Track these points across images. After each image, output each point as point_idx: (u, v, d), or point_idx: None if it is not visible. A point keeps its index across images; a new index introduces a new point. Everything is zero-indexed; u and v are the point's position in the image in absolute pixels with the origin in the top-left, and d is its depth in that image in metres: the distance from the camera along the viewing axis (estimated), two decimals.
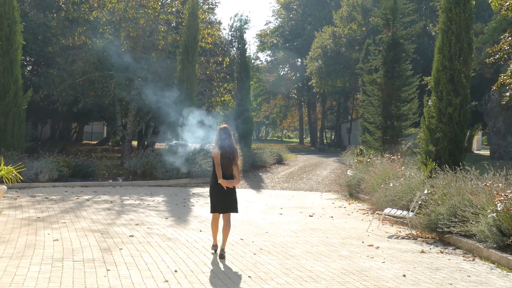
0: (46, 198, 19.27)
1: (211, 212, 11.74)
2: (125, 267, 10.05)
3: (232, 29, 63.94)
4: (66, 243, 11.93)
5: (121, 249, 11.54)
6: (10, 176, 12.93)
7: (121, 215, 16.15)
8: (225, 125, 12.04)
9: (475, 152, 65.39)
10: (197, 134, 20.97)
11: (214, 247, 11.78)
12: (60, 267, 9.92)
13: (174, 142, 28.42)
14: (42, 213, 15.92)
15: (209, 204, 11.75)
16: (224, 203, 11.47)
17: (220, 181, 11.25)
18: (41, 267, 9.83)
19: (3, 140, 25.38)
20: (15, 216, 15.31)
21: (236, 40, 52.57)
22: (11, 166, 13.32)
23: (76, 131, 57.29)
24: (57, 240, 12.19)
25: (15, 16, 26.14)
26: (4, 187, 13.04)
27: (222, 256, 11.22)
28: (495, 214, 11.75)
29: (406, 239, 13.98)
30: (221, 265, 10.56)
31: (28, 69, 39.65)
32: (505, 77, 25.37)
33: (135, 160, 27.56)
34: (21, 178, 13.66)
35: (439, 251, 12.45)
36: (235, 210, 11.68)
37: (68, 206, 17.51)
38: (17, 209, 16.61)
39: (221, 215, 11.64)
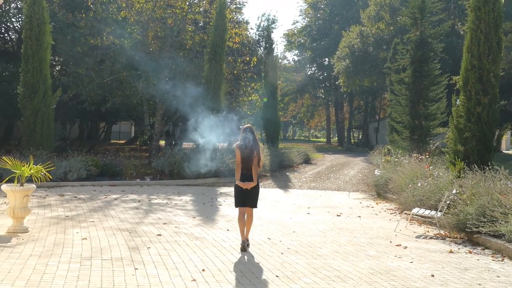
0: (75, 197, 19.40)
1: (235, 207, 12.37)
2: (153, 266, 10.10)
3: (260, 29, 63.93)
4: (94, 241, 12.01)
5: (149, 248, 11.59)
6: (39, 175, 13.02)
7: (148, 214, 16.21)
8: (249, 125, 12.68)
9: (504, 151, 64.85)
10: (219, 133, 21.17)
11: (243, 242, 12.00)
12: (89, 265, 9.98)
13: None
14: (71, 212, 16.03)
15: None
16: (243, 198, 12.08)
17: (237, 183, 12.01)
18: (69, 266, 9.90)
19: (33, 139, 25.59)
20: (44, 214, 15.43)
21: (264, 39, 52.52)
22: (40, 165, 13.41)
23: (104, 130, 57.57)
24: (86, 238, 12.27)
25: (44, 16, 26.33)
26: (34, 186, 13.12)
27: (244, 248, 11.81)
28: None
29: (434, 239, 13.90)
30: (249, 265, 10.57)
31: (57, 69, 39.94)
32: None
33: (163, 160, 27.66)
34: (50, 177, 13.75)
35: (467, 251, 12.37)
36: (253, 205, 12.21)
37: (96, 205, 17.62)
38: (46, 208, 16.74)
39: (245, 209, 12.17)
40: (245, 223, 12.15)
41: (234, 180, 12.15)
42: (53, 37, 28.34)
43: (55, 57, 36.87)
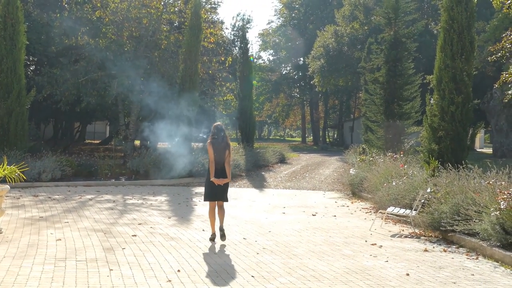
0: (49, 197, 19.29)
1: (204, 201, 13.07)
2: (128, 267, 10.06)
3: (235, 29, 64.10)
4: (69, 242, 11.94)
5: (124, 248, 11.55)
6: (13, 176, 12.92)
7: (123, 215, 16.16)
8: (218, 122, 13.35)
9: (477, 150, 65.40)
10: (194, 133, 21.39)
11: (213, 235, 12.78)
12: (63, 266, 9.92)
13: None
14: (45, 213, 15.94)
15: None
16: (215, 193, 12.68)
17: (212, 179, 12.52)
18: (44, 267, 9.83)
19: (6, 139, 25.42)
20: (18, 215, 15.33)
21: (239, 39, 52.54)
22: (14, 165, 13.31)
23: (79, 130, 57.28)
24: (60, 239, 12.20)
25: (19, 16, 26.18)
26: (7, 186, 13.03)
27: (222, 235, 12.57)
28: (498, 212, 11.74)
29: (409, 237, 13.97)
30: (224, 265, 10.55)
31: (31, 68, 39.72)
32: (507, 75, 25.38)
33: (138, 160, 27.57)
34: (24, 178, 13.64)
35: (442, 250, 12.43)
36: (225, 199, 12.91)
37: (70, 206, 17.53)
38: (20, 208, 16.63)
39: (216, 203, 12.83)
40: (215, 216, 12.81)
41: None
42: (28, 36, 28.15)
43: (30, 57, 36.68)
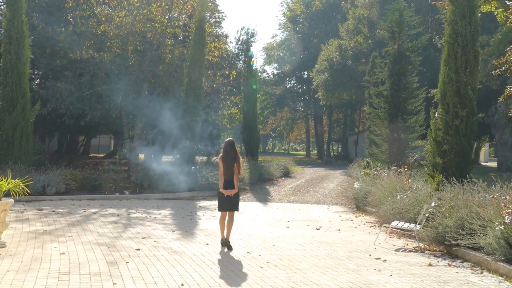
0: (53, 211, 19.30)
1: (218, 211, 13.99)
2: (132, 281, 10.04)
3: (239, 42, 63.97)
4: (72, 256, 11.93)
5: (128, 262, 11.54)
6: (17, 190, 12.93)
7: (127, 228, 16.15)
8: (230, 138, 14.46)
9: (482, 164, 65.25)
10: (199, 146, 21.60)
11: (222, 241, 13.75)
12: (67, 280, 9.91)
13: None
14: (49, 226, 15.94)
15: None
16: (227, 203, 13.74)
17: (221, 190, 13.71)
18: (47, 281, 9.82)
19: (11, 153, 25.46)
20: (22, 229, 15.34)
21: (243, 53, 52.62)
22: (18, 179, 13.32)
23: (83, 144, 57.37)
24: (64, 253, 12.19)
25: (24, 30, 26.30)
26: (11, 200, 13.03)
27: (228, 246, 13.55)
28: (502, 226, 11.71)
29: (413, 252, 13.94)
30: (228, 279, 10.53)
31: (36, 82, 39.83)
32: (511, 89, 25.35)
33: (142, 173, 27.57)
34: (28, 192, 13.66)
35: (447, 264, 12.40)
36: (235, 209, 13.90)
37: (75, 219, 17.53)
38: (24, 222, 16.64)
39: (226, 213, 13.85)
40: (224, 225, 13.79)
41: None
42: (32, 50, 28.26)
43: (34, 70, 36.79)
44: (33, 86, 37.03)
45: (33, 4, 35.74)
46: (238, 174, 13.82)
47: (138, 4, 32.08)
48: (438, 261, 12.74)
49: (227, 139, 14.22)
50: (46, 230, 15.25)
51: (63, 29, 33.08)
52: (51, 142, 48.77)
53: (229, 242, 13.62)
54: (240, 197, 26.22)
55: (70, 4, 32.99)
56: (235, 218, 14.17)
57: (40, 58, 33.25)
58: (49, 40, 33.98)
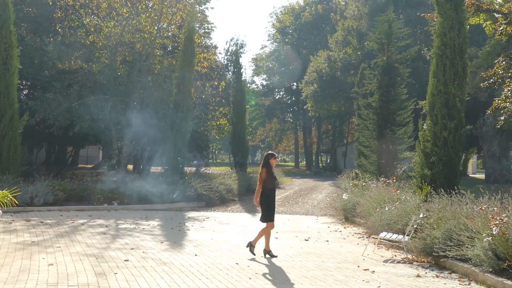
0: (41, 222, 19.23)
1: (267, 221, 14.42)
2: None
3: (228, 53, 64.23)
4: (60, 267, 11.89)
5: (116, 273, 11.50)
6: (5, 200, 12.88)
7: (116, 239, 16.11)
8: (267, 152, 15.11)
9: (470, 175, 65.48)
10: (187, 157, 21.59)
11: (266, 251, 14.36)
12: None
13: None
14: (37, 237, 15.88)
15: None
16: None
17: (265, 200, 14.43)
18: None
19: None
20: (10, 240, 15.27)
21: (232, 64, 52.69)
22: (6, 190, 13.28)
23: (72, 155, 57.27)
24: (52, 264, 12.15)
25: (12, 40, 26.29)
26: None
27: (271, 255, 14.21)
28: (490, 238, 11.74)
29: (401, 263, 13.95)
30: None
31: (24, 93, 39.75)
32: (499, 101, 25.49)
33: (131, 184, 27.51)
34: (16, 202, 13.61)
35: (434, 275, 12.42)
36: (260, 219, 14.72)
37: (63, 230, 17.47)
38: (12, 233, 16.56)
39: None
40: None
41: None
42: (21, 61, 28.22)
43: (23, 81, 36.73)
44: (21, 97, 36.98)
45: (21, 15, 35.72)
46: (259, 185, 14.41)
47: (127, 15, 32.13)
48: (426, 272, 12.75)
49: (268, 152, 14.90)
50: (34, 241, 15.19)
51: (51, 39, 33.12)
52: (39, 152, 48.62)
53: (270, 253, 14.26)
54: (229, 208, 26.43)
55: (59, 15, 33.04)
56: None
57: (28, 68, 33.21)
58: (38, 51, 33.98)
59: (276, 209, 26.73)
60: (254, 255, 14.13)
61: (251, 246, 14.39)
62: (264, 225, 14.47)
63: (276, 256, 14.08)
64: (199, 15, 40.54)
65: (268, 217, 14.32)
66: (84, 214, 22.11)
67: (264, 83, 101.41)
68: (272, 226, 14.46)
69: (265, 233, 14.31)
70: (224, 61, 70.61)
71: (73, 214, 21.96)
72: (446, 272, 12.79)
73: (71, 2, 32.53)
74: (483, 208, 13.51)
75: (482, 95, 43.53)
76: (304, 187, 44.17)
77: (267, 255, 14.15)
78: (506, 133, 44.78)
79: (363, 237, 18.43)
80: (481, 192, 15.17)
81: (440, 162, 18.04)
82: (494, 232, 11.71)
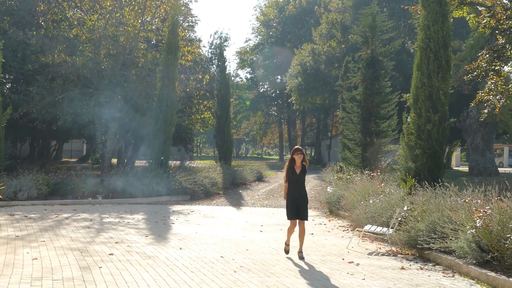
0: (25, 216, 19.16)
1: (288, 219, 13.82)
2: (105, 286, 10.00)
3: (212, 47, 64.12)
4: (45, 261, 11.86)
5: (101, 267, 11.48)
6: None
7: (100, 233, 16.08)
8: (296, 147, 14.33)
9: (454, 168, 65.68)
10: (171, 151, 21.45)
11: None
12: (39, 286, 9.84)
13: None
14: (21, 232, 15.83)
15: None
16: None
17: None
18: (20, 286, 9.75)
19: None
20: None
21: (216, 57, 52.64)
22: None
23: (56, 148, 57.06)
24: (36, 258, 12.11)
25: None
26: None
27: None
28: (474, 230, 11.79)
29: (386, 255, 13.99)
30: (201, 283, 10.51)
31: (7, 86, 39.50)
32: (483, 94, 25.55)
33: (115, 178, 27.45)
34: (0, 197, 13.57)
35: (419, 268, 12.47)
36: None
37: (47, 225, 17.42)
38: None
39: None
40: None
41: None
42: (4, 54, 28.07)
43: (6, 75, 36.49)
44: (4, 91, 36.75)
45: (4, 8, 35.54)
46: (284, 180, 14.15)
47: (110, 8, 31.99)
48: (410, 265, 12.80)
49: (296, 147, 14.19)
50: (18, 236, 15.14)
51: (34, 33, 32.92)
52: (23, 146, 48.42)
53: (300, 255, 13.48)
54: (214, 202, 26.44)
55: (42, 8, 32.83)
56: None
57: (11, 62, 33.01)
58: (21, 44, 33.78)
59: (260, 202, 26.88)
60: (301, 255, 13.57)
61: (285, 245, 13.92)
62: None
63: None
64: (183, 8, 40.47)
65: (286, 215, 13.86)
66: (68, 208, 22.05)
67: (249, 76, 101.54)
68: (291, 224, 13.67)
69: (287, 231, 13.87)
70: (208, 55, 70.53)
71: (57, 208, 21.89)
72: (430, 264, 12.85)
73: None
74: (466, 200, 13.56)
75: (465, 88, 43.74)
76: None
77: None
78: (489, 126, 44.99)
79: (347, 230, 18.47)
80: (465, 185, 15.22)
81: (424, 155, 18.09)
82: (478, 225, 11.77)
